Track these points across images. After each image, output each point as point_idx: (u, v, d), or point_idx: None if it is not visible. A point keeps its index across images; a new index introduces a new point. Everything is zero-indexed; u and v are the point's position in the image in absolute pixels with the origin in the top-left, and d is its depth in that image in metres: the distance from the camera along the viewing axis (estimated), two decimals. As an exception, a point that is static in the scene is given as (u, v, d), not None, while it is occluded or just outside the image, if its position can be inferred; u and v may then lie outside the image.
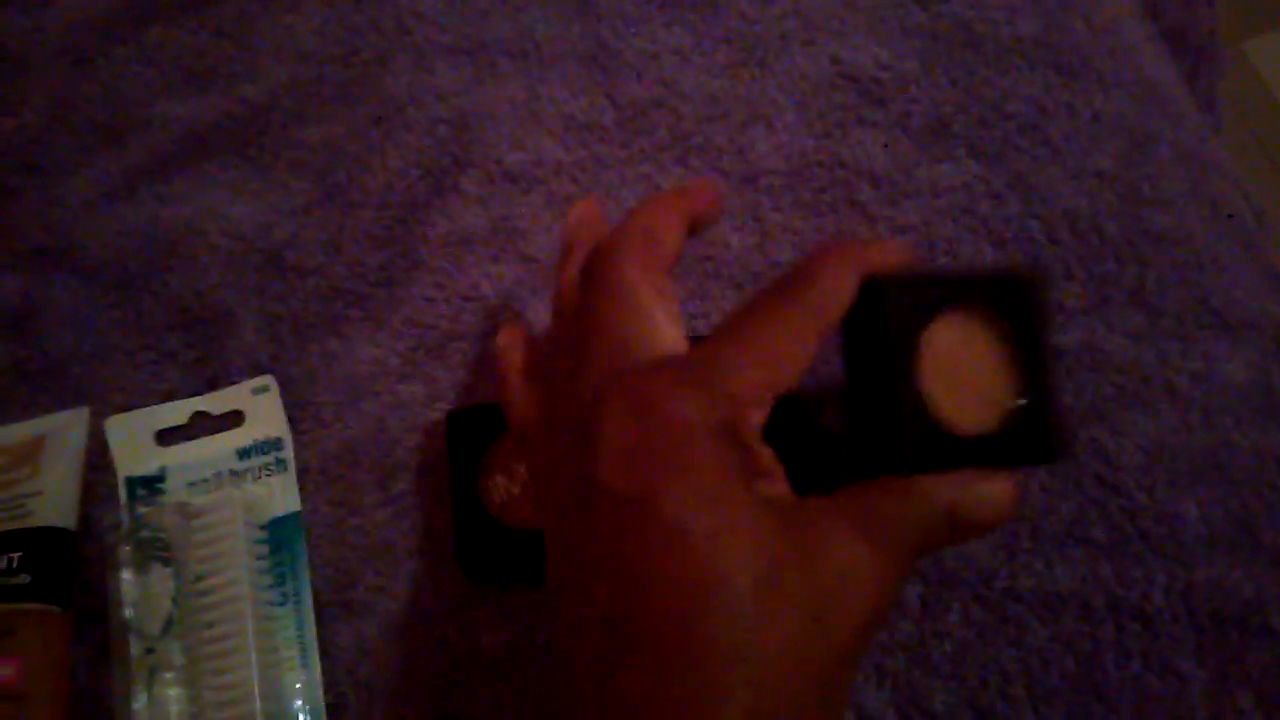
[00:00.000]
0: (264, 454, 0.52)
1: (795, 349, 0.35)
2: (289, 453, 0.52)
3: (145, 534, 0.49)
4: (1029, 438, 0.38)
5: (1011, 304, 0.39)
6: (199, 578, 0.48)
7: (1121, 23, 0.62)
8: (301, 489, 0.51)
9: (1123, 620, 0.47)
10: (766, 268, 0.54)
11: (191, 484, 0.51)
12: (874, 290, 0.38)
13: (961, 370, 0.38)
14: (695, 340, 0.38)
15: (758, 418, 0.34)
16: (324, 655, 0.48)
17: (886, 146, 0.56)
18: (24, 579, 0.48)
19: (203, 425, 0.53)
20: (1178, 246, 0.54)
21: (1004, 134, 0.57)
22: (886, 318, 0.37)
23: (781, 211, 0.55)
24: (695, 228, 0.40)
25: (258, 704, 0.45)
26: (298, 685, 0.47)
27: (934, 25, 0.60)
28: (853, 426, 0.40)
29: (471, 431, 0.50)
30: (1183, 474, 0.49)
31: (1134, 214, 0.54)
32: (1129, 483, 0.49)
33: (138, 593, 0.48)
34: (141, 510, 0.50)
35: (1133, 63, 0.60)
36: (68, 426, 0.53)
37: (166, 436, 0.52)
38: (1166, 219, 0.54)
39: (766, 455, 0.34)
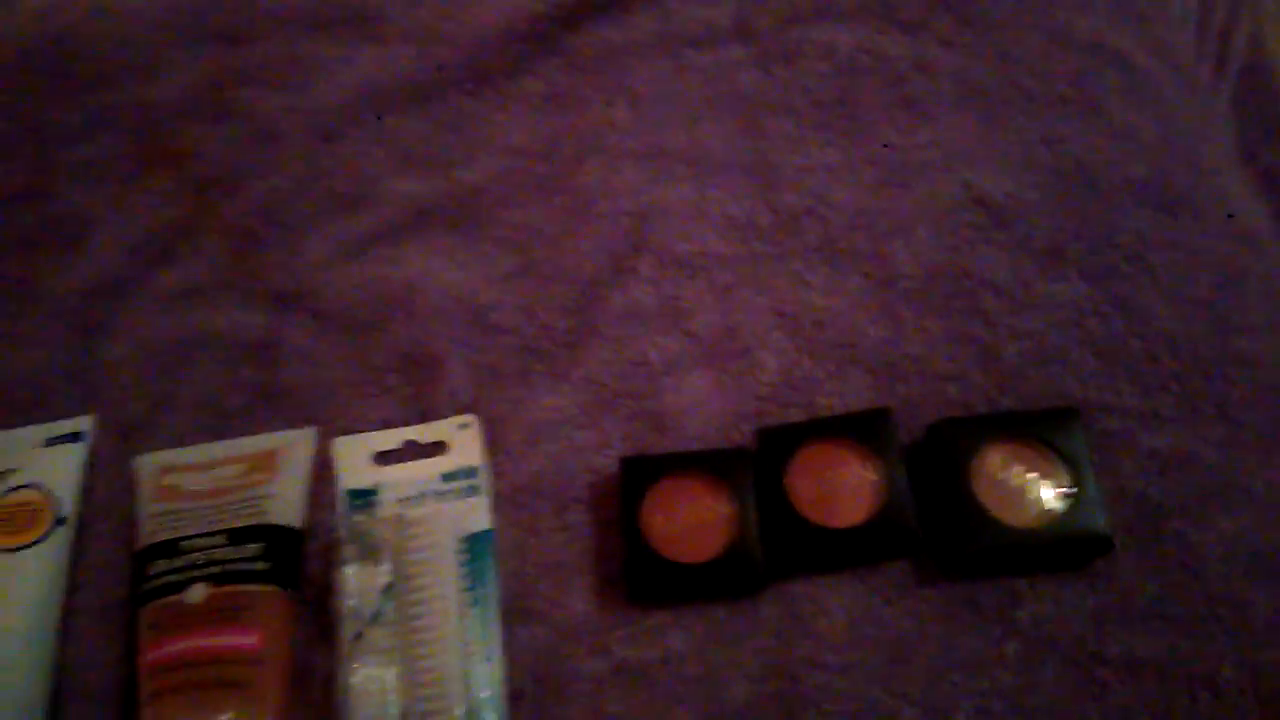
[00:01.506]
0: (464, 479, 0.61)
1: None
2: (484, 480, 0.61)
3: (365, 538, 0.59)
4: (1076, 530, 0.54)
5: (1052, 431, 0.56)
6: (410, 577, 0.57)
7: (1220, 169, 0.70)
8: (493, 511, 0.60)
9: (1196, 689, 0.53)
10: (898, 358, 0.63)
11: (401, 499, 0.61)
12: (936, 431, 0.56)
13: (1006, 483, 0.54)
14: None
15: None
16: (506, 652, 0.55)
17: (1010, 265, 0.65)
18: (263, 565, 0.58)
19: (412, 451, 0.62)
20: (1260, 369, 0.61)
21: (1112, 261, 0.65)
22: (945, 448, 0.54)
23: (915, 311, 0.64)
24: None
25: (458, 685, 0.54)
26: (485, 676, 0.55)
27: (1057, 163, 0.69)
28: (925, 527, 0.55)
29: (639, 475, 0.59)
30: (1255, 567, 0.56)
31: (1223, 338, 0.62)
32: (1207, 570, 0.56)
33: (356, 585, 0.58)
34: (359, 518, 0.60)
35: (1228, 204, 0.68)
36: (299, 442, 0.62)
37: (382, 458, 0.62)
38: (1251, 344, 0.62)
39: None
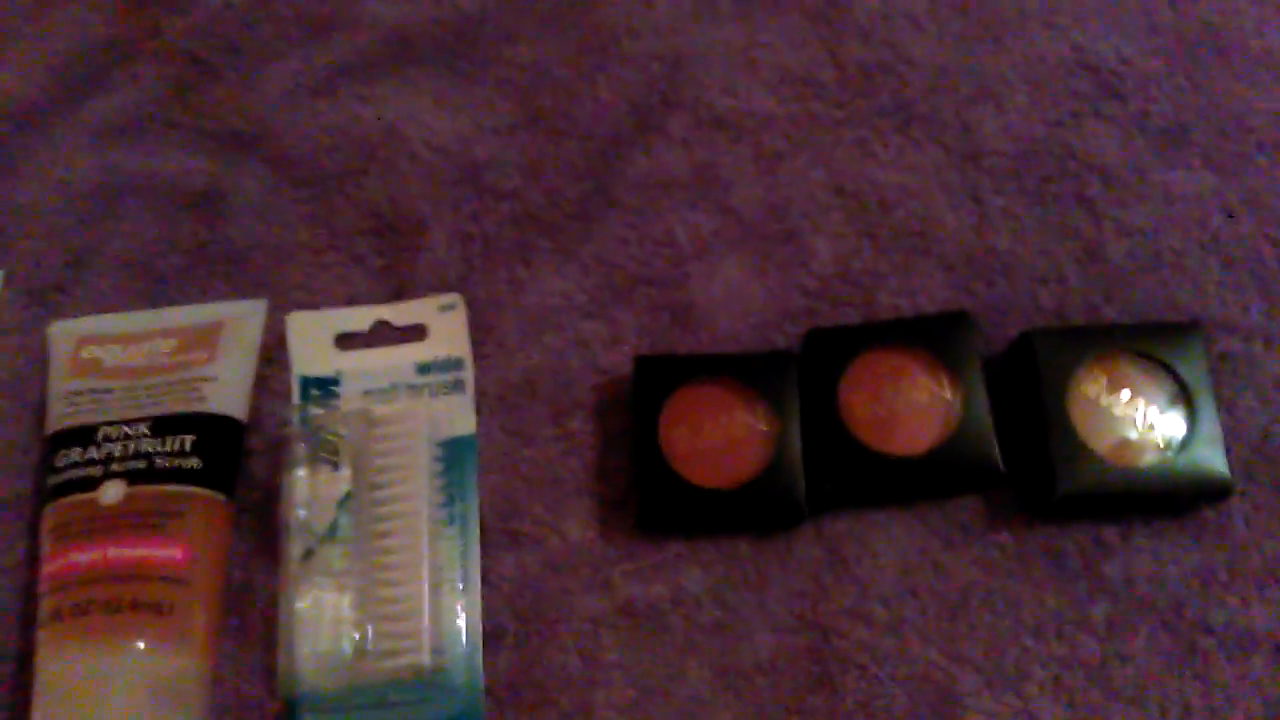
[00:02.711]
0: (444, 372, 0.53)
1: None
2: (468, 374, 0.53)
3: (322, 435, 0.50)
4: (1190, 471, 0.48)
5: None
6: (373, 486, 0.49)
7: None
8: (477, 413, 0.52)
9: (1319, 672, 0.47)
10: (982, 252, 0.54)
11: (367, 392, 0.52)
12: (1025, 342, 0.49)
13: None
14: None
15: None
16: (485, 582, 0.49)
17: (1122, 144, 0.56)
18: (195, 463, 0.50)
19: (384, 335, 0.54)
20: None
21: (1243, 148, 0.56)
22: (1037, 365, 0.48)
23: (1003, 195, 0.55)
24: None
25: (425, 621, 0.46)
26: (458, 608, 0.48)
27: (1181, 25, 0.59)
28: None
29: (658, 379, 0.50)
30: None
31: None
32: (1345, 528, 0.49)
33: (307, 492, 0.49)
34: (315, 411, 0.52)
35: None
36: (245, 316, 0.54)
37: (346, 341, 0.54)
38: None
39: None
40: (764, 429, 0.49)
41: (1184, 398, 0.49)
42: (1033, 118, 0.57)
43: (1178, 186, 0.55)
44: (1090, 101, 0.57)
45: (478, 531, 0.50)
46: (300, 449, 0.50)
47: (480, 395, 0.53)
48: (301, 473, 0.49)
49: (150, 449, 0.49)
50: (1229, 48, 0.58)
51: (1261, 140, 0.56)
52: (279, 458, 0.51)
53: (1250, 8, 0.59)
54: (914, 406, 0.49)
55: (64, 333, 0.54)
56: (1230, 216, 0.54)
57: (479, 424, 0.52)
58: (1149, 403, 0.49)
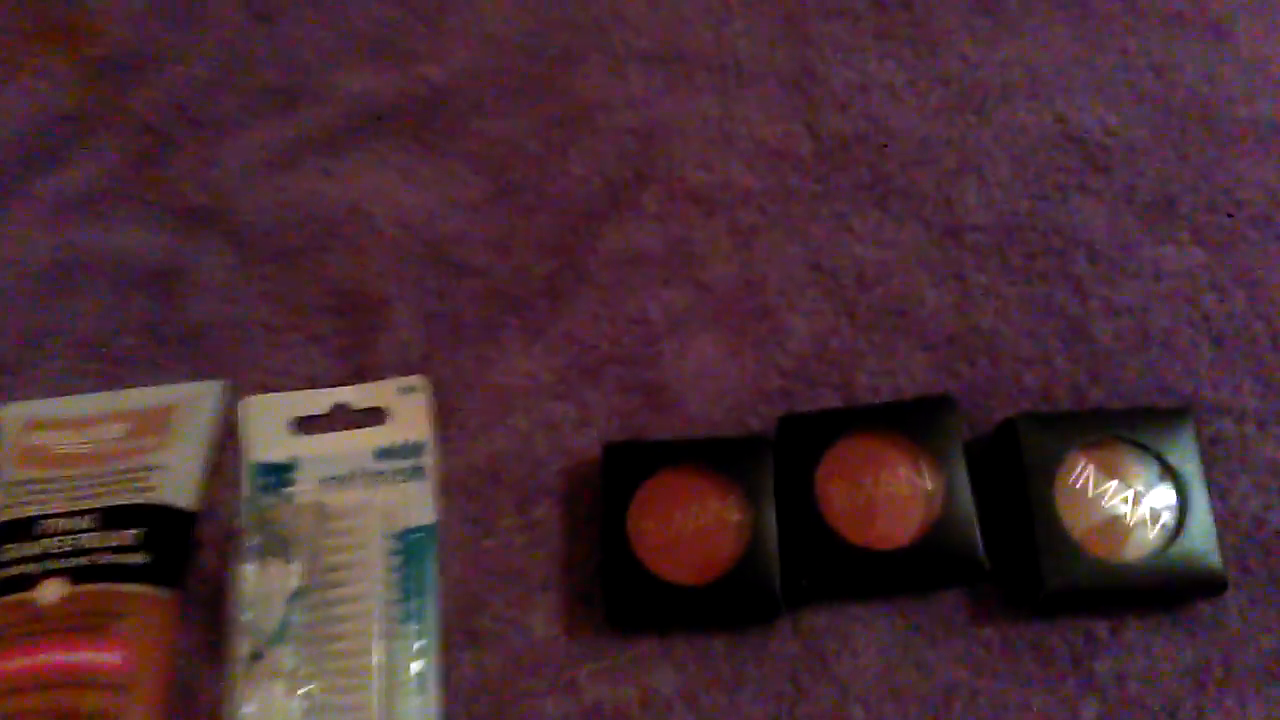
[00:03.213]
0: (404, 458, 0.51)
1: None
2: (430, 460, 0.51)
3: (272, 528, 0.48)
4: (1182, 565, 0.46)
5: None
6: (327, 584, 0.47)
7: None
8: (438, 501, 0.50)
9: (1323, 776, 0.45)
10: (964, 331, 0.53)
11: (323, 480, 0.51)
12: (1009, 429, 0.48)
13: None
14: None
15: None
16: (443, 683, 0.47)
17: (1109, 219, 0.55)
18: (142, 558, 0.48)
19: (343, 418, 0.52)
20: None
21: (1233, 222, 0.55)
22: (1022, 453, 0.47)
23: (986, 273, 0.54)
24: None
25: (378, 727, 0.44)
26: (417, 713, 0.46)
27: (1168, 95, 0.58)
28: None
29: (627, 468, 0.49)
30: None
31: (1377, 328, 0.52)
32: (1346, 624, 0.47)
33: (257, 589, 0.48)
34: (268, 500, 0.50)
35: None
36: (200, 399, 0.53)
37: (303, 424, 0.52)
38: None
39: None
40: (737, 518, 0.48)
41: (1175, 487, 0.47)
42: (1016, 191, 0.56)
43: (1166, 263, 0.54)
44: (1076, 174, 0.56)
45: (437, 629, 0.48)
46: (251, 542, 0.48)
47: (442, 482, 0.51)
48: (250, 568, 0.48)
49: (94, 544, 0.48)
50: (1216, 118, 0.57)
51: (1252, 214, 0.55)
52: (228, 551, 0.49)
53: (1237, 77, 0.58)
54: (894, 497, 0.47)
55: (13, 417, 0.53)
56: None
57: (440, 513, 0.50)
58: (1138, 492, 0.47)
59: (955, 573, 0.47)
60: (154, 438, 0.51)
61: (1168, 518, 0.47)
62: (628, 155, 0.58)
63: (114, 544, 0.48)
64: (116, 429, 0.52)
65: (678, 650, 0.48)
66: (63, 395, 0.54)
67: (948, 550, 0.46)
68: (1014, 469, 0.48)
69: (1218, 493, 0.49)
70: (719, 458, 0.49)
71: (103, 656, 0.45)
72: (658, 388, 0.52)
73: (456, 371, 0.53)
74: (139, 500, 0.49)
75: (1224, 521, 0.48)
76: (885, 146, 0.56)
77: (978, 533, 0.46)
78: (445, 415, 0.52)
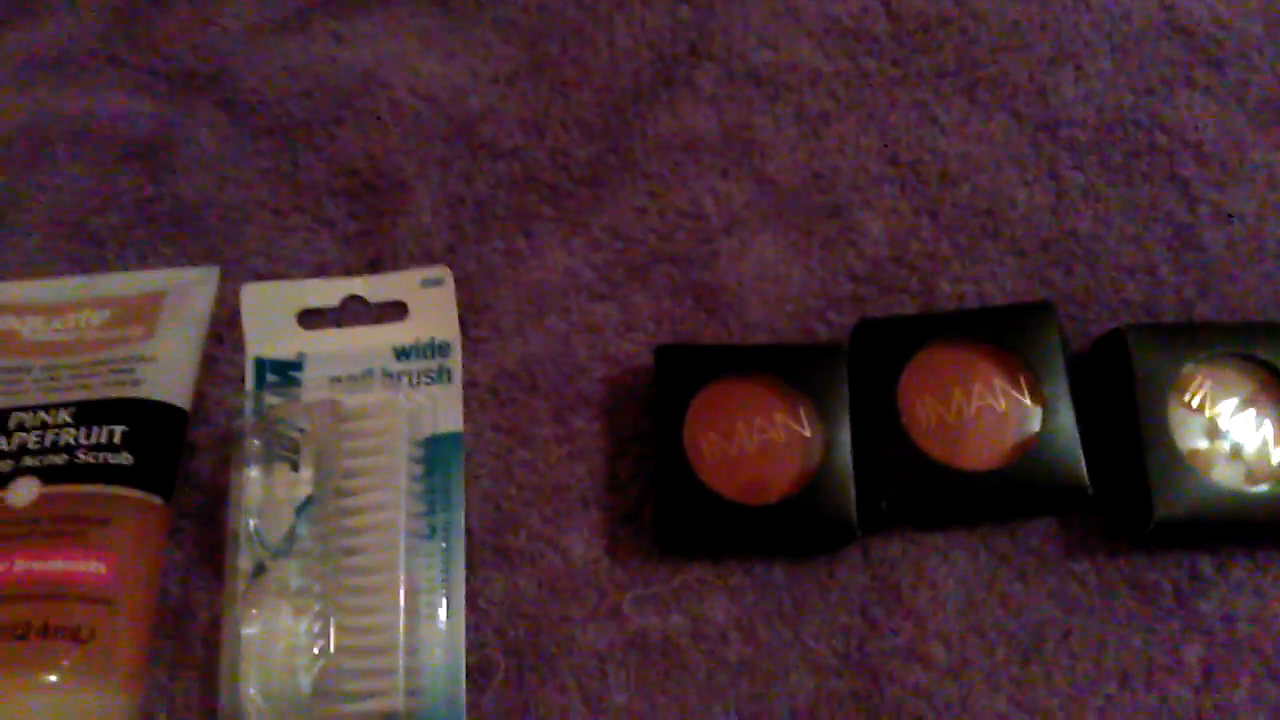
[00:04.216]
0: (427, 358, 0.47)
1: None
2: (456, 361, 0.47)
3: (278, 429, 0.44)
4: None
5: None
6: (342, 492, 0.43)
7: None
8: (464, 407, 0.47)
9: None
10: (1059, 235, 0.49)
11: (335, 379, 0.47)
12: (1113, 340, 0.45)
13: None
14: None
15: None
16: (470, 607, 0.44)
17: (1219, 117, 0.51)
18: (126, 459, 0.44)
19: (357, 312, 0.49)
20: None
21: (1352, 127, 0.51)
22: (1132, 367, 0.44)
23: (1084, 172, 0.51)
24: None
25: (400, 655, 0.40)
26: (440, 639, 0.42)
27: (1284, -15, 0.54)
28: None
29: (683, 374, 0.45)
30: None
31: None
32: None
33: (261, 497, 0.44)
34: (271, 400, 0.46)
35: None
36: (194, 286, 0.49)
37: (311, 319, 0.48)
38: None
39: None
40: (807, 434, 0.44)
41: (1301, 410, 0.44)
42: (1118, 84, 0.53)
43: (1283, 168, 0.51)
44: (1183, 68, 0.53)
45: (463, 547, 0.44)
46: (253, 445, 0.45)
47: (469, 386, 0.47)
48: (254, 473, 0.44)
49: (72, 440, 0.44)
50: (1338, 13, 0.54)
51: (1374, 119, 0.52)
52: (228, 454, 0.45)
53: (1359, -30, 0.55)
54: (987, 413, 0.44)
55: (-23, 300, 0.49)
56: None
57: (467, 420, 0.47)
58: (1259, 415, 0.44)
59: (1054, 499, 0.44)
60: (140, 327, 0.48)
61: (1295, 444, 0.44)
62: (681, 27, 0.54)
63: (95, 442, 0.44)
64: (98, 316, 0.48)
65: (734, 577, 0.45)
66: (36, 278, 0.50)
67: (1047, 474, 0.43)
68: (1121, 385, 0.44)
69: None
70: (787, 366, 0.45)
71: (84, 565, 0.41)
72: (713, 290, 0.49)
73: (485, 265, 0.50)
74: (123, 394, 0.45)
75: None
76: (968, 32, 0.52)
77: (1081, 455, 0.43)
78: (473, 313, 0.49)
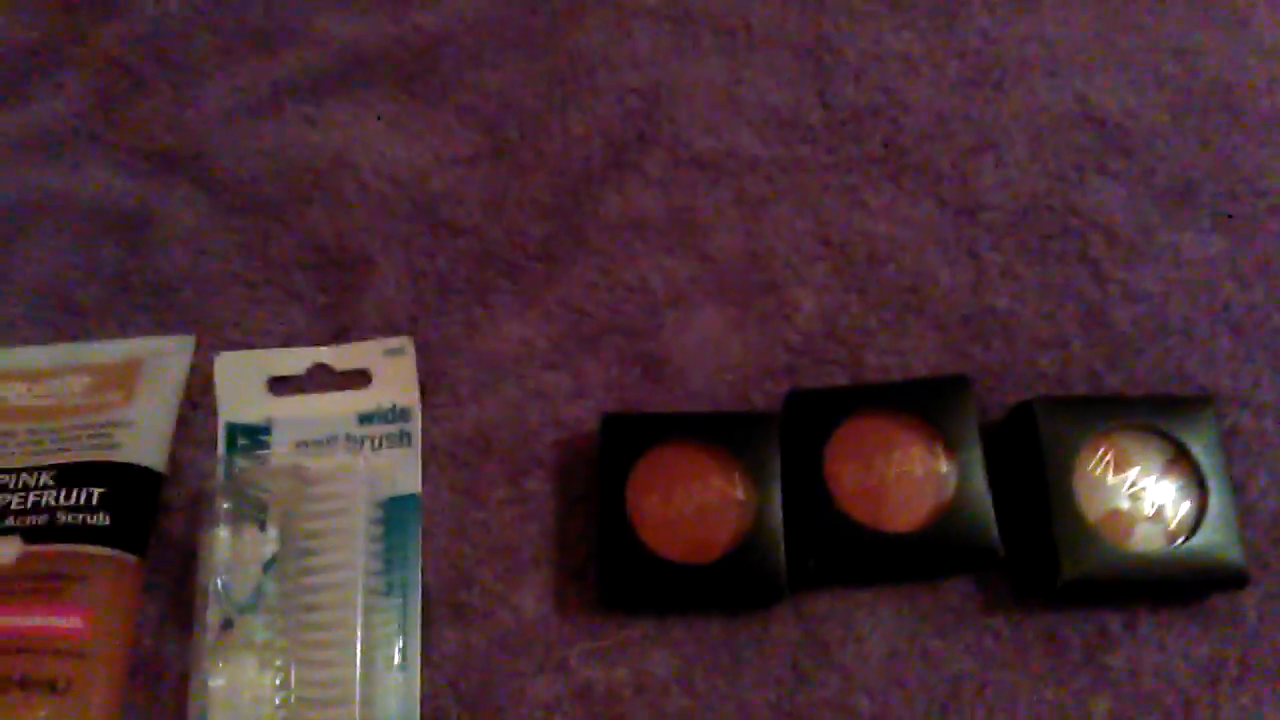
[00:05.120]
0: (388, 423, 0.50)
1: None
2: (416, 426, 0.50)
3: (247, 491, 0.47)
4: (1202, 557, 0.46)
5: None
6: (306, 551, 0.46)
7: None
8: (423, 469, 0.49)
9: (1340, 780, 0.45)
10: (978, 312, 0.52)
11: (301, 444, 0.50)
12: (1024, 412, 0.48)
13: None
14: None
15: None
16: (425, 660, 0.46)
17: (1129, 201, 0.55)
18: (104, 519, 0.46)
19: (323, 380, 0.51)
20: None
21: (1255, 211, 0.55)
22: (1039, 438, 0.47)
23: (1002, 253, 0.54)
24: None
25: (357, 706, 0.43)
26: (396, 690, 0.45)
27: (1189, 80, 0.58)
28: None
29: (627, 439, 0.48)
30: None
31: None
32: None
33: (230, 555, 0.46)
34: (241, 463, 0.49)
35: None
36: (170, 354, 0.51)
37: (280, 385, 0.51)
38: None
39: None
40: (741, 498, 0.47)
41: (1195, 477, 0.47)
42: (1034, 171, 0.56)
43: (1186, 249, 0.54)
44: (1094, 155, 0.56)
45: (419, 604, 0.47)
46: (223, 506, 0.47)
47: (428, 450, 0.50)
48: (223, 533, 0.46)
49: (53, 501, 0.46)
50: (1239, 106, 0.58)
51: (1275, 204, 0.56)
52: (199, 514, 0.48)
53: (1260, 65, 0.59)
54: (906, 479, 0.47)
55: (-36, 367, 0.51)
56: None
57: (425, 482, 0.49)
58: (1158, 482, 0.48)
59: (969, 559, 0.47)
60: (119, 393, 0.50)
61: (1188, 508, 0.47)
62: (631, 116, 0.57)
63: (74, 503, 0.46)
64: (79, 382, 0.50)
65: (674, 632, 0.47)
66: (21, 345, 0.52)
67: (962, 536, 0.46)
68: (1030, 454, 0.48)
69: (1235, 486, 0.49)
70: (724, 433, 0.48)
71: (61, 620, 0.44)
72: (658, 360, 0.52)
73: (444, 335, 0.52)
74: (102, 458, 0.48)
75: (1241, 516, 0.48)
76: (898, 120, 0.56)
77: (993, 519, 0.46)
78: (433, 381, 0.51)
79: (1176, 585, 0.47)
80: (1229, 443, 0.50)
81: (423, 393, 0.51)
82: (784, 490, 0.47)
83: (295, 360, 0.51)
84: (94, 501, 0.47)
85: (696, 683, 0.46)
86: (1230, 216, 0.54)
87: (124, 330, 0.52)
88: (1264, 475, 0.50)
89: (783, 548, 0.46)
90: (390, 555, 0.47)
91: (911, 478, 0.47)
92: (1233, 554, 0.46)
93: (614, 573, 0.46)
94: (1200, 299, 0.53)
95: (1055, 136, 0.56)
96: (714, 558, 0.46)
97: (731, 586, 0.46)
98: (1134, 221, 0.55)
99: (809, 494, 0.47)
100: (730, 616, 0.47)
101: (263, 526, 0.47)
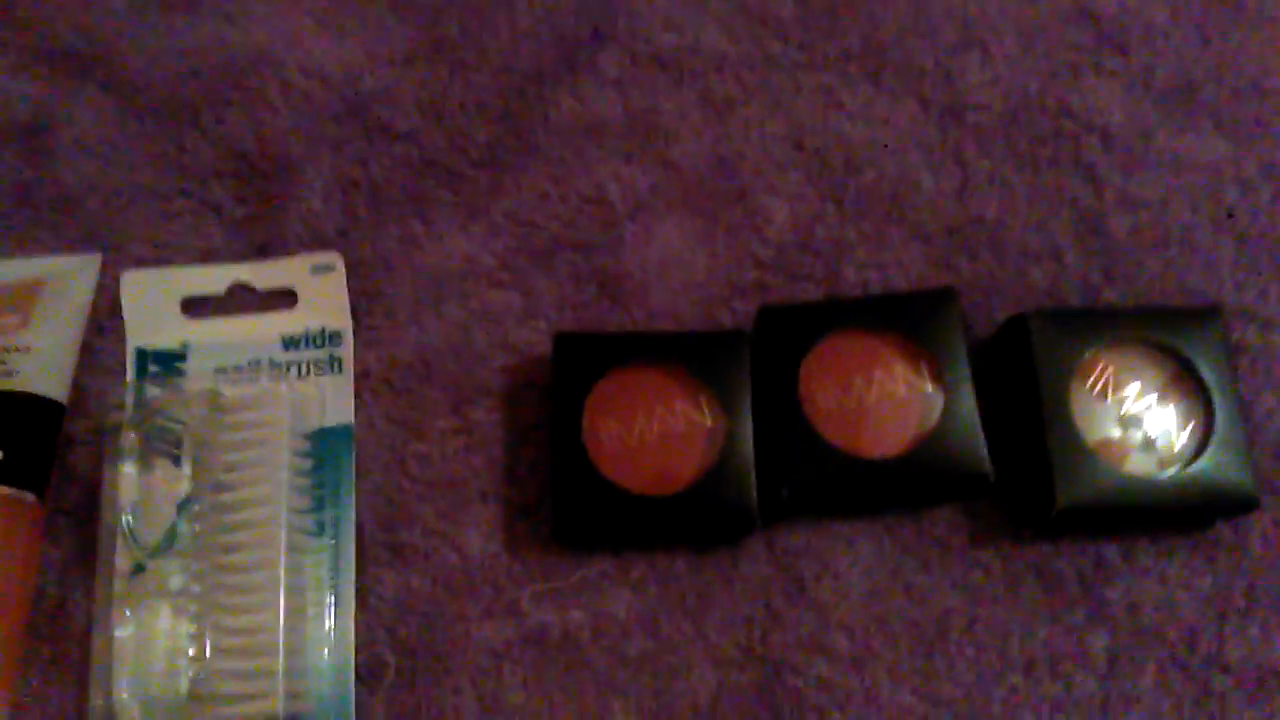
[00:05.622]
0: (317, 347, 0.45)
1: None
2: (348, 351, 0.45)
3: (158, 421, 0.42)
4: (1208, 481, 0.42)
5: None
6: (223, 487, 0.41)
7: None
8: (356, 398, 0.45)
9: (1351, 714, 0.42)
10: (964, 221, 0.48)
11: (220, 370, 0.45)
12: (1017, 326, 0.44)
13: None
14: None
15: None
16: (360, 606, 0.42)
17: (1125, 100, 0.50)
18: (-2, 454, 0.41)
19: (243, 300, 0.47)
20: None
21: (1260, 112, 0.51)
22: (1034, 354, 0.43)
23: (990, 158, 0.50)
24: None
25: (281, 657, 0.38)
26: (326, 639, 0.40)
27: (1190, -29, 0.54)
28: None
29: (582, 362, 0.43)
30: None
31: None
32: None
33: (138, 494, 0.41)
34: (153, 391, 0.44)
35: None
36: (73, 274, 0.47)
37: (196, 307, 0.46)
38: None
39: None
40: (709, 423, 0.43)
41: (1202, 396, 0.43)
42: (1024, 69, 0.52)
43: (1186, 154, 0.50)
44: (1089, 53, 0.52)
45: (353, 544, 0.42)
46: (131, 439, 0.42)
47: (361, 377, 0.45)
48: (131, 469, 0.42)
49: (-63, 434, 0.41)
50: (1241, 1, 0.53)
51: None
52: (105, 448, 0.43)
53: (1263, -42, 0.54)
54: (889, 400, 0.43)
55: None
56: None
57: (358, 411, 0.45)
58: (1161, 401, 0.43)
59: (955, 487, 0.43)
60: (16, 316, 0.46)
61: (1193, 430, 0.43)
62: (584, 9, 0.52)
63: (-38, 436, 0.41)
64: (-30, 306, 0.45)
65: (635, 570, 0.44)
66: None
67: (948, 461, 0.42)
68: (1023, 372, 0.43)
69: (1243, 405, 0.45)
70: (689, 353, 0.44)
71: (-53, 567, 0.39)
72: (616, 277, 0.48)
73: (378, 251, 0.48)
74: (-4, 387, 0.43)
75: (1248, 437, 0.44)
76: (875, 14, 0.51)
77: (982, 442, 0.42)
78: (366, 301, 0.47)
79: (1181, 511, 0.43)
80: (1234, 359, 0.46)
81: (354, 314, 0.46)
82: (755, 415, 0.43)
83: (212, 279, 0.47)
84: (-13, 436, 0.41)
85: (660, 625, 0.43)
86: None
87: (22, 248, 0.48)
88: (1271, 394, 0.46)
89: (754, 477, 0.42)
90: (320, 492, 0.43)
91: (894, 399, 0.43)
92: (1241, 477, 0.42)
93: (569, 506, 0.42)
94: (1202, 206, 0.49)
95: (1047, 32, 0.52)
96: (679, 488, 0.42)
97: (698, 519, 0.42)
98: (1131, 124, 0.51)
99: (782, 418, 0.42)
100: (697, 552, 0.44)
101: (176, 461, 0.42)
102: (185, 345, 0.45)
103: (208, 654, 0.39)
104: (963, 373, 0.43)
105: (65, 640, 0.41)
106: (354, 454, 0.44)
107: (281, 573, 0.40)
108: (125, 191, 0.48)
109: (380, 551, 0.43)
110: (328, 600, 0.41)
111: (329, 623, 0.41)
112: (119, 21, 0.51)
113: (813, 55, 0.51)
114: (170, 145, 0.49)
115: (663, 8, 0.52)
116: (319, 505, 0.42)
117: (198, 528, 0.41)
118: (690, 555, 0.43)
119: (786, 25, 0.52)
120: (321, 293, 0.46)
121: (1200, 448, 0.43)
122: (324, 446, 0.43)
